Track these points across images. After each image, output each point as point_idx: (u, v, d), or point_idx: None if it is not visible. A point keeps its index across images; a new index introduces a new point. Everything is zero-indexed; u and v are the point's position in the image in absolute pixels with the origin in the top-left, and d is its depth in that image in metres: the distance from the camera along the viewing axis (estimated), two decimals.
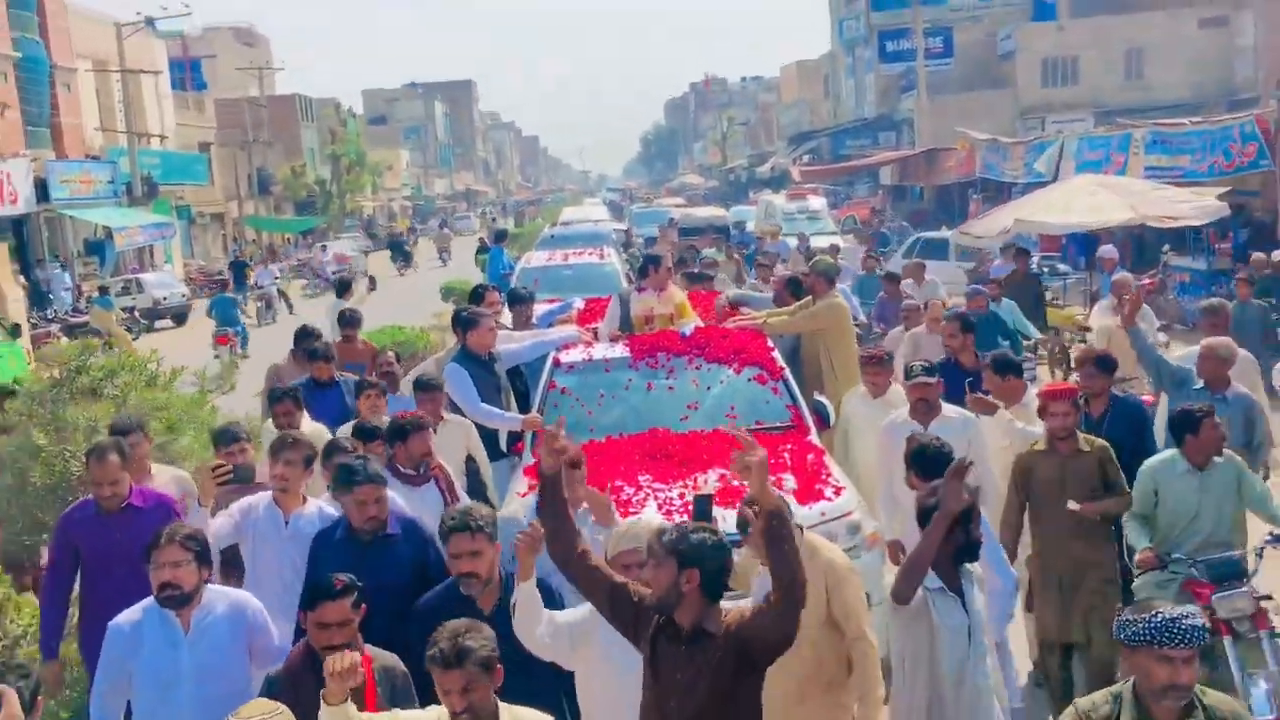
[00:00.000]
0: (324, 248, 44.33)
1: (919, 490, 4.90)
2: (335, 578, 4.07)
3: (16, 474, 6.27)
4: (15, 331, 18.73)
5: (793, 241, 21.52)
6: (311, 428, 6.70)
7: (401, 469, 5.93)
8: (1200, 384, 6.80)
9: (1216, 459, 5.71)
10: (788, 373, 7.84)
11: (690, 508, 4.23)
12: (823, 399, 7.85)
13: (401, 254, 44.48)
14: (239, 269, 34.96)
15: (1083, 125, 35.66)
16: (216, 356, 20.97)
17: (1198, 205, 12.34)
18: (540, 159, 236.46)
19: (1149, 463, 5.88)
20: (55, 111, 35.44)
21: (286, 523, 5.34)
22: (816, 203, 31.20)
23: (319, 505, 5.44)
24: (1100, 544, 5.83)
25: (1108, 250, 14.09)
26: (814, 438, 7.18)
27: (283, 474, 5.38)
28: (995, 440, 6.46)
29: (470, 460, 6.89)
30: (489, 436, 7.45)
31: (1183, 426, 5.73)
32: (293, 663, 4.13)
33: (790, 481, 6.28)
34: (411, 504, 5.51)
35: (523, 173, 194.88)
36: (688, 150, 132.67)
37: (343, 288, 13.43)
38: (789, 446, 6.85)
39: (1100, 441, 5.97)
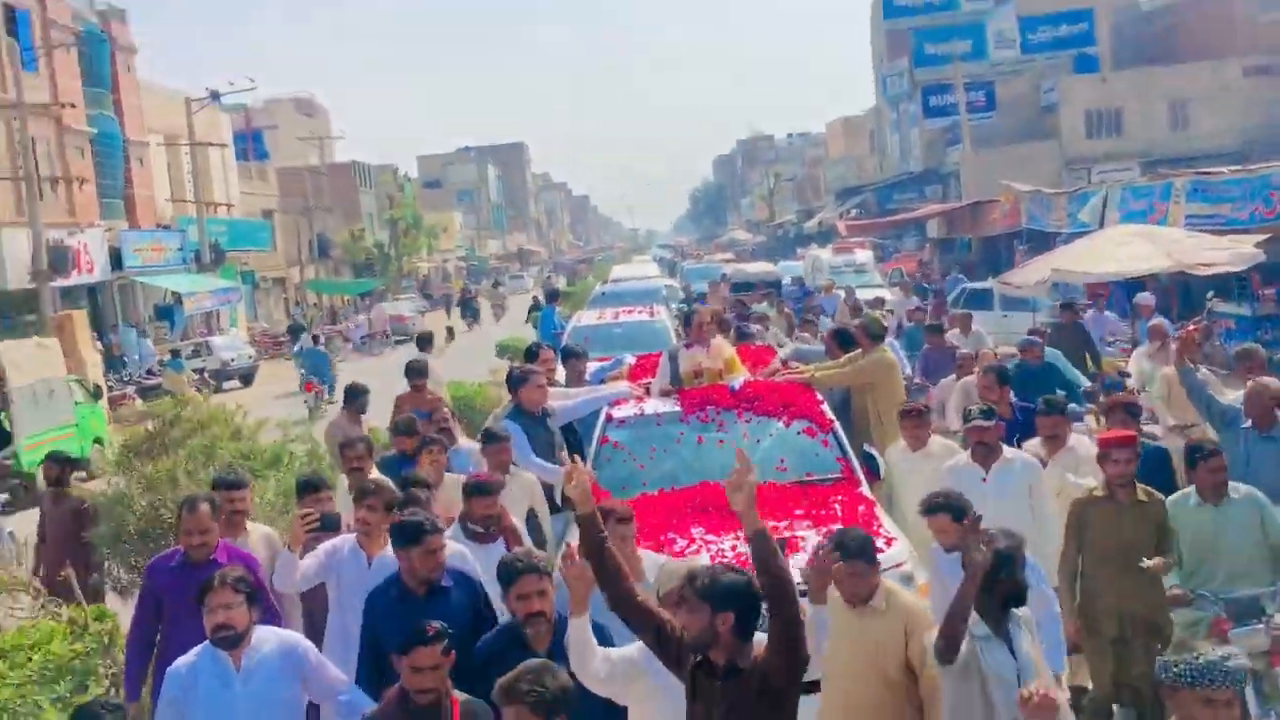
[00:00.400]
0: (352, 314, 46.19)
1: (945, 539, 5.09)
2: (428, 624, 4.26)
3: (113, 522, 6.80)
4: (97, 394, 19.60)
5: (840, 294, 21.86)
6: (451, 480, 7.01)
7: (470, 527, 6.08)
8: (1248, 423, 6.87)
9: (1233, 495, 5.81)
10: (837, 425, 7.89)
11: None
12: (873, 450, 7.86)
13: (470, 311, 47.32)
14: (297, 332, 36.16)
15: (1129, 175, 35.79)
16: (305, 402, 22.03)
17: (1234, 252, 12.58)
18: (590, 217, 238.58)
19: (1169, 499, 6.00)
20: (129, 184, 36.94)
21: (370, 564, 5.60)
22: (863, 256, 31.53)
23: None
24: (1157, 596, 5.82)
25: (1144, 297, 14.30)
26: (865, 489, 7.23)
27: (365, 519, 5.67)
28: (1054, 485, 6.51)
29: (532, 513, 7.05)
30: (548, 490, 7.52)
31: (1188, 462, 5.92)
32: (387, 705, 4.35)
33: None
34: (480, 561, 5.64)
35: (574, 231, 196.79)
36: (736, 206, 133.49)
37: (424, 342, 13.66)
38: (840, 498, 6.92)
39: (1159, 495, 5.95)
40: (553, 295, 24.30)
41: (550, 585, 4.53)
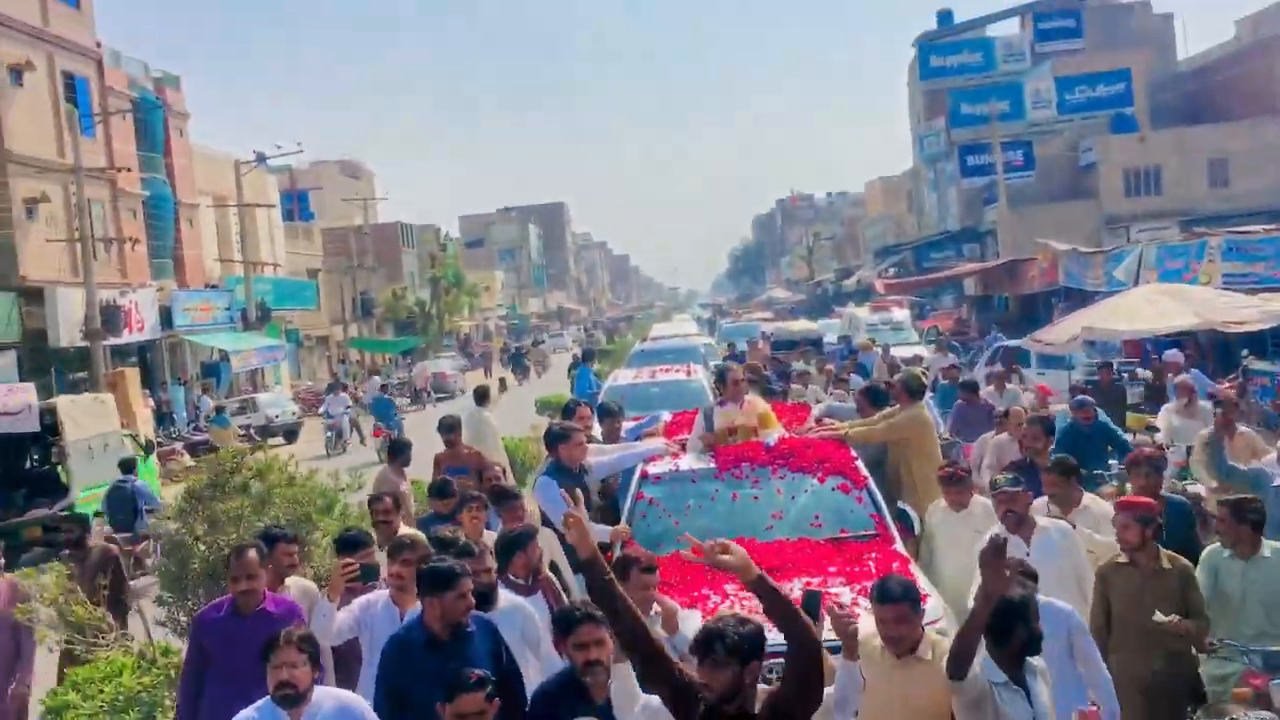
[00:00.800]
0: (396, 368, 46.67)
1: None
2: (471, 671, 4.33)
3: (178, 561, 7.12)
4: (148, 448, 20.10)
5: (878, 352, 21.96)
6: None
7: (513, 579, 6.10)
8: (1278, 481, 6.92)
9: (1265, 553, 5.82)
10: (871, 482, 7.86)
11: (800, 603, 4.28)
12: (906, 507, 7.83)
13: (521, 366, 49.68)
14: (335, 389, 36.47)
15: (1168, 234, 35.77)
16: (377, 450, 22.62)
17: (1263, 310, 12.67)
18: (631, 276, 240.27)
19: (1205, 550, 6.05)
20: (178, 244, 37.88)
21: (402, 618, 5.59)
22: (899, 314, 31.68)
23: None
24: (1183, 661, 5.77)
25: (1173, 354, 14.36)
26: (899, 546, 7.20)
27: (399, 573, 5.73)
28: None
29: (553, 567, 7.01)
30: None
31: (1235, 517, 5.89)
32: None
33: None
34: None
35: (614, 290, 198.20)
36: (775, 265, 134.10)
37: (480, 396, 13.77)
38: (874, 555, 6.92)
39: (1183, 561, 5.90)
40: (588, 355, 24.44)
41: (607, 634, 4.50)
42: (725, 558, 3.87)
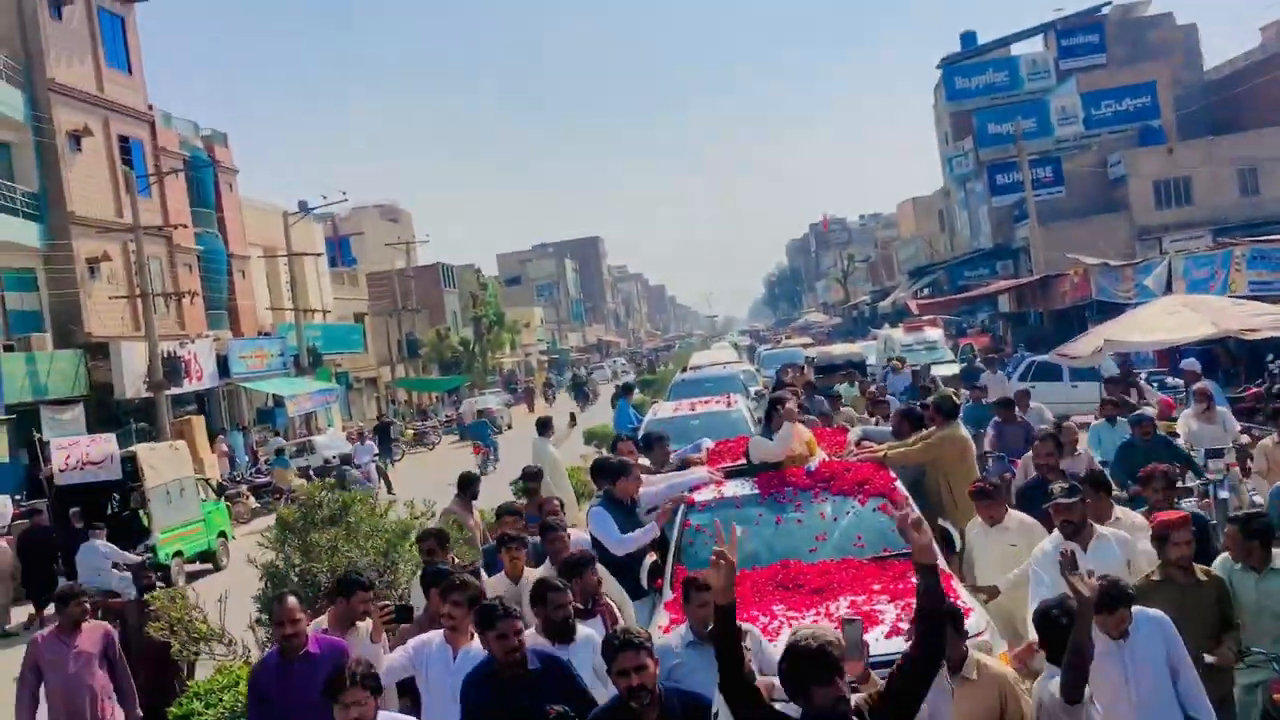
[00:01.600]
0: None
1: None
2: (550, 708, 4.51)
3: (275, 585, 7.84)
4: (220, 491, 21.04)
5: (908, 373, 22.02)
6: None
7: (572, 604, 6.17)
8: None
9: (1277, 564, 5.89)
10: (911, 502, 7.76)
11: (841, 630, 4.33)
12: (947, 525, 7.86)
13: (582, 394, 50.42)
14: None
15: (1201, 242, 36.07)
16: (476, 465, 23.38)
17: (1277, 318, 13.15)
18: (668, 306, 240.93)
19: (1216, 560, 6.17)
20: (232, 295, 39.05)
21: (455, 657, 5.70)
22: (933, 334, 32.02)
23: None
24: (1224, 674, 5.71)
25: (1190, 363, 14.80)
26: (941, 563, 7.12)
27: (450, 613, 5.77)
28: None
29: None
30: (631, 576, 7.65)
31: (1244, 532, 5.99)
32: None
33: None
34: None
35: (652, 321, 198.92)
36: (811, 289, 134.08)
37: (543, 426, 13.85)
38: None
39: (1216, 574, 5.94)
40: (626, 389, 23.65)
41: (649, 659, 4.53)
42: (718, 573, 3.98)
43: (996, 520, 7.38)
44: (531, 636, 5.51)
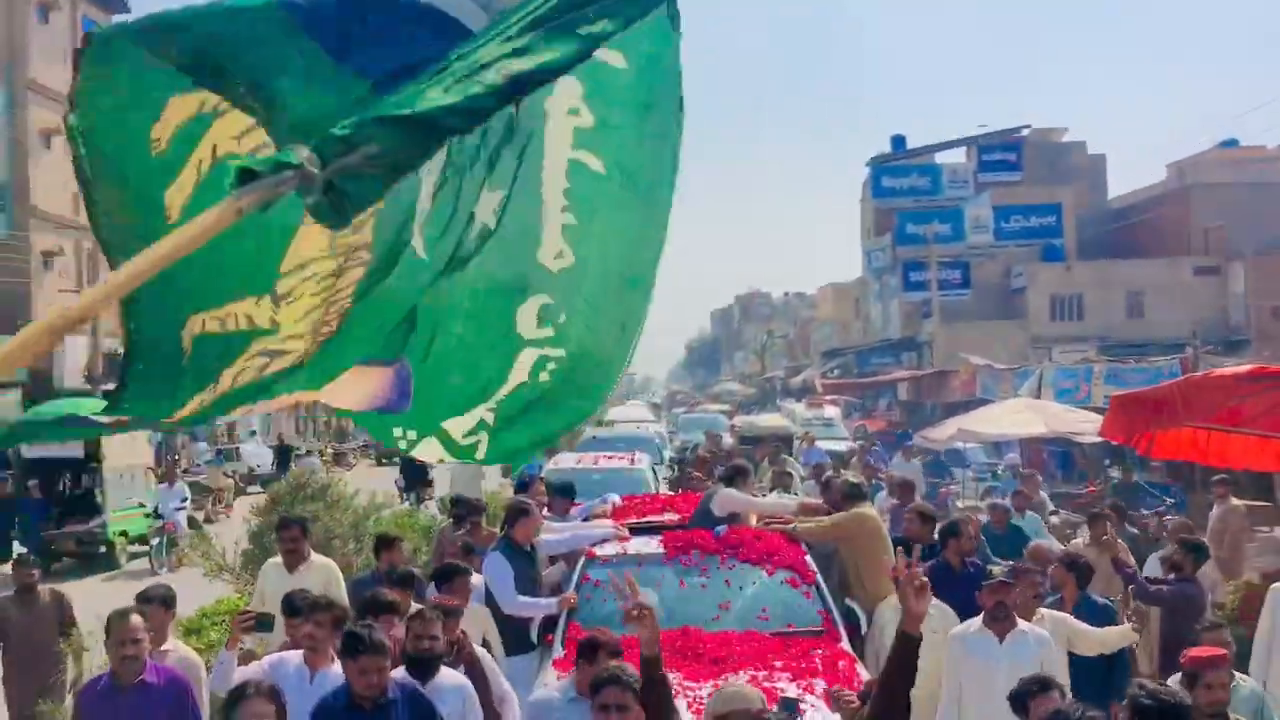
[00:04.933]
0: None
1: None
2: None
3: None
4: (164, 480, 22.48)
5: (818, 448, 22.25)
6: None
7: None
8: None
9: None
10: (819, 577, 7.65)
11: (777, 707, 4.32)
12: (853, 604, 7.66)
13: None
14: (284, 453, 34.42)
15: (1085, 356, 39.23)
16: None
17: (1097, 424, 15.72)
18: None
19: None
20: None
21: (311, 680, 5.42)
22: (830, 412, 34.46)
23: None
24: None
25: (1012, 458, 17.14)
26: (845, 644, 6.99)
27: (311, 634, 5.54)
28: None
29: (485, 645, 6.75)
30: (518, 628, 7.36)
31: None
32: None
33: (821, 686, 6.13)
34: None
35: None
36: (730, 358, 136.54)
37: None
38: (820, 651, 6.72)
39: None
40: None
41: (633, 701, 4.38)
42: (638, 623, 4.06)
43: None
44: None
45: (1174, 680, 4.94)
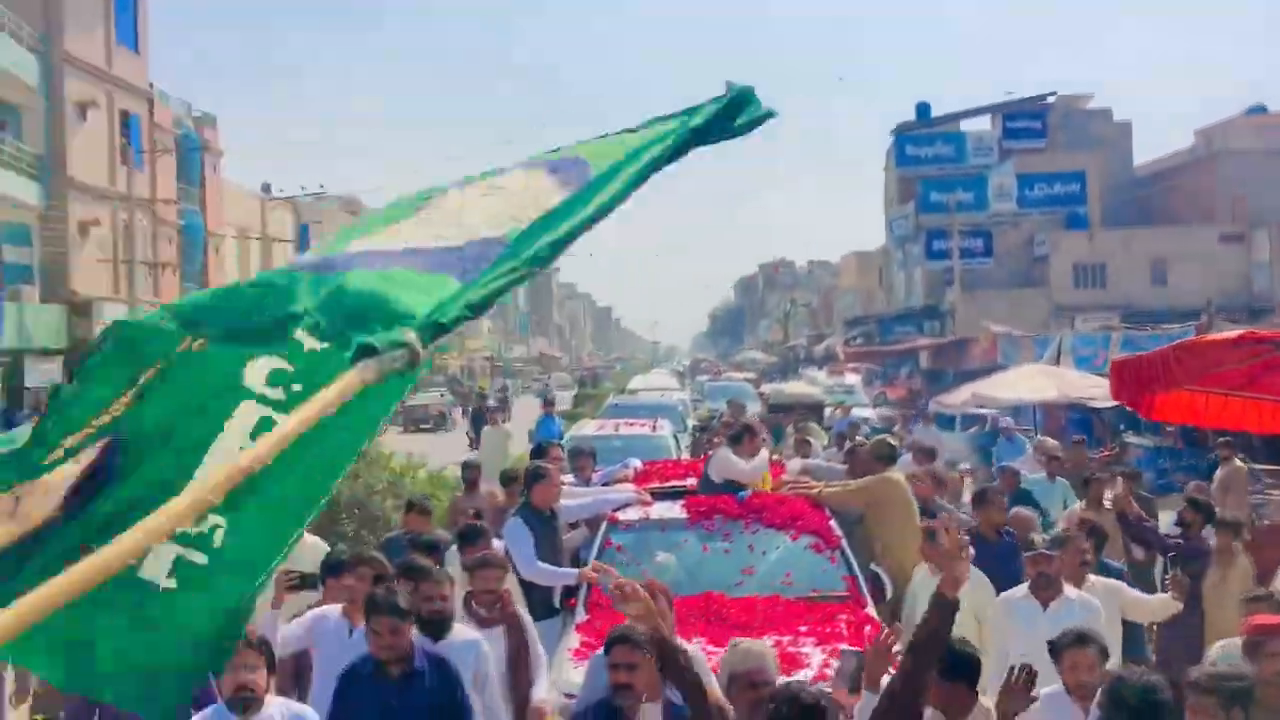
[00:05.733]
0: None
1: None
2: None
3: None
4: None
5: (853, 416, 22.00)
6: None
7: (475, 609, 5.88)
8: None
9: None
10: (845, 542, 7.53)
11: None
12: (879, 570, 7.51)
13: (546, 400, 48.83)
14: None
15: (1103, 324, 39.35)
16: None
17: (1107, 389, 16.06)
18: (613, 329, 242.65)
19: None
20: (205, 271, 40.84)
21: (351, 634, 5.41)
22: (851, 379, 34.82)
23: None
24: None
25: (1006, 420, 17.47)
26: (870, 610, 6.88)
27: (352, 586, 5.58)
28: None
29: None
30: (541, 593, 7.20)
31: None
32: None
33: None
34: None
35: (595, 340, 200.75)
36: (753, 327, 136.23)
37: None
38: (845, 617, 6.62)
39: None
40: (549, 402, 22.44)
41: (643, 659, 4.33)
42: (628, 606, 3.93)
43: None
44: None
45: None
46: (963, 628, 5.88)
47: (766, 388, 29.98)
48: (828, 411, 23.51)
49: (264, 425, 2.44)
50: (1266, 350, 8.79)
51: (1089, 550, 6.62)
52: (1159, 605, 6.70)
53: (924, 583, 6.77)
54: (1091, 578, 6.47)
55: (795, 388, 27.47)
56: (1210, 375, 9.03)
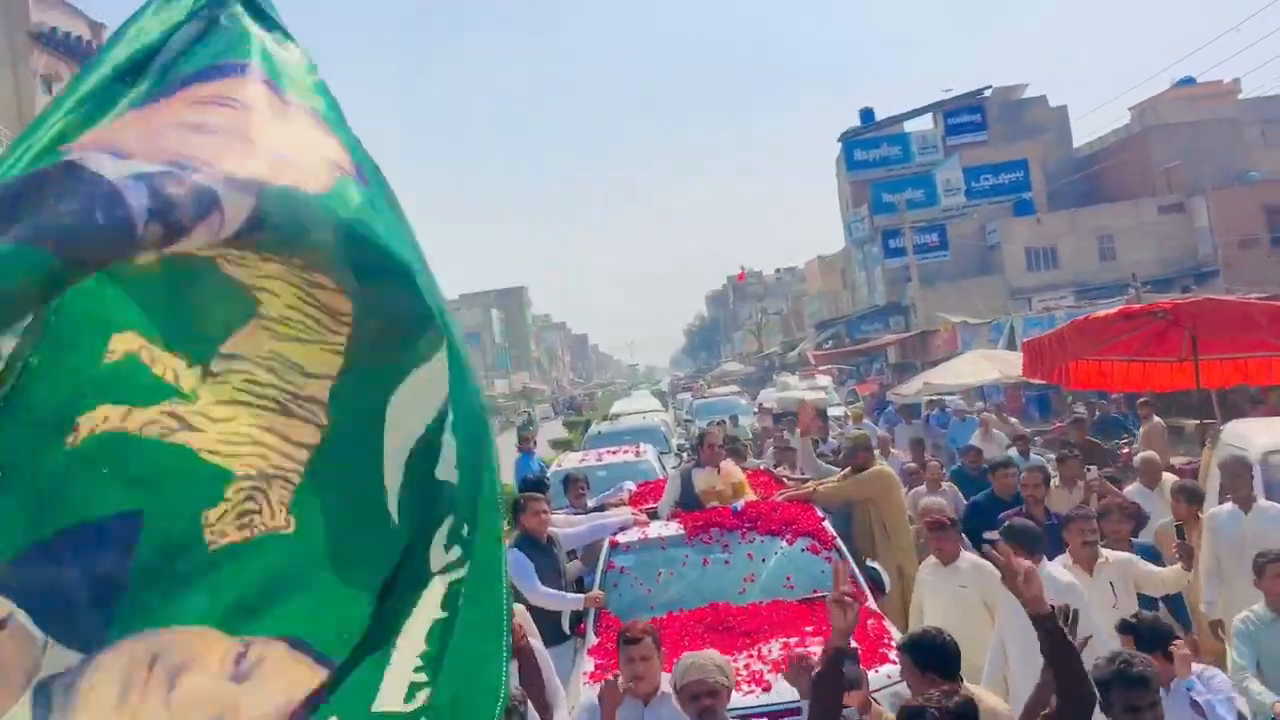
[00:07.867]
0: None
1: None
2: None
3: None
4: None
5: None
6: None
7: None
8: None
9: None
10: (839, 541, 7.72)
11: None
12: (875, 565, 7.69)
13: (522, 438, 48.48)
14: None
15: (1065, 303, 40.71)
16: None
17: None
18: (591, 355, 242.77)
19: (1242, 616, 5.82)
20: None
21: None
22: (823, 380, 35.78)
23: None
24: None
25: (956, 401, 18.57)
26: (871, 603, 6.97)
27: None
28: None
29: None
30: (551, 621, 7.24)
31: (1256, 570, 5.84)
32: None
33: (853, 646, 5.99)
34: None
35: (574, 369, 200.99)
36: (729, 339, 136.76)
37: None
38: None
39: None
40: (524, 439, 19.57)
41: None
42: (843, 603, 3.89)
43: (951, 557, 6.83)
44: None
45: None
46: (973, 615, 6.45)
47: (766, 397, 29.32)
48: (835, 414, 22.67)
49: None
50: (1146, 321, 10.16)
51: (1094, 532, 6.55)
52: (1172, 577, 6.58)
53: (930, 575, 7.00)
54: (1105, 554, 6.47)
55: (799, 393, 26.41)
56: (1108, 346, 10.39)
